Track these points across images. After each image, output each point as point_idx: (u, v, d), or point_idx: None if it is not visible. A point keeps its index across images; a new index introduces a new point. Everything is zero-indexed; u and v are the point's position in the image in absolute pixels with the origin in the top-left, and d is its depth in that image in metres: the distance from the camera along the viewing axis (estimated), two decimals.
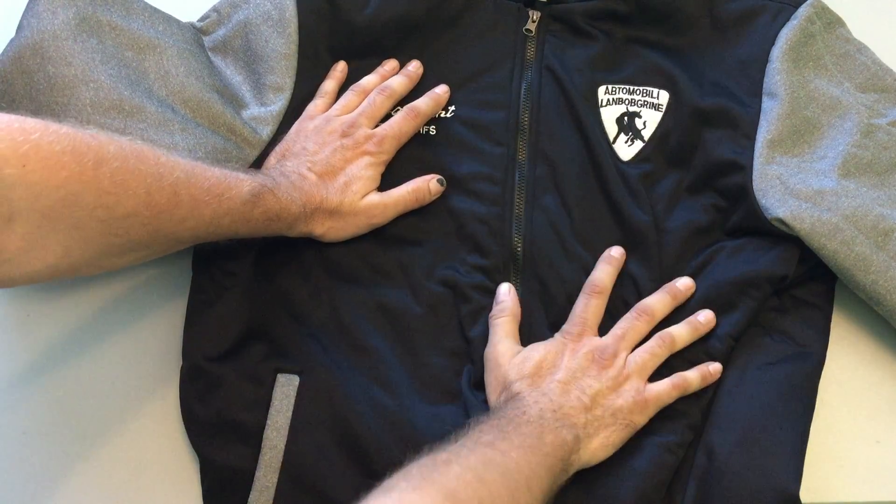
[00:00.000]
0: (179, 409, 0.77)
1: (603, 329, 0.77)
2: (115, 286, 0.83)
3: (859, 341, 0.81)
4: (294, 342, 0.77)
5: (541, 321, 0.79)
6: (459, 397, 0.75)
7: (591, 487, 0.71)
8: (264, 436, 0.74)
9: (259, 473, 0.73)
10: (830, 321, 0.80)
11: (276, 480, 0.72)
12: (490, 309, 0.78)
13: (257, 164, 0.82)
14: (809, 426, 0.75)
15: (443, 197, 0.82)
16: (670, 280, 0.79)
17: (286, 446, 0.73)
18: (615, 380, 0.73)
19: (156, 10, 0.85)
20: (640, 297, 0.78)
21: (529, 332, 0.78)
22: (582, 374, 0.73)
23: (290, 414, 0.74)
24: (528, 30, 0.86)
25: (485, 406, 0.74)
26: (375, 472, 0.71)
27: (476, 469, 0.60)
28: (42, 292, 0.83)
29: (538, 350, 0.75)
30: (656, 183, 0.83)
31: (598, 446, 0.71)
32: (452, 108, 0.86)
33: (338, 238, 0.80)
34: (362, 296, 0.79)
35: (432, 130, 0.85)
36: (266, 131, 0.83)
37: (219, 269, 0.79)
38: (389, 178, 0.83)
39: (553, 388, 0.72)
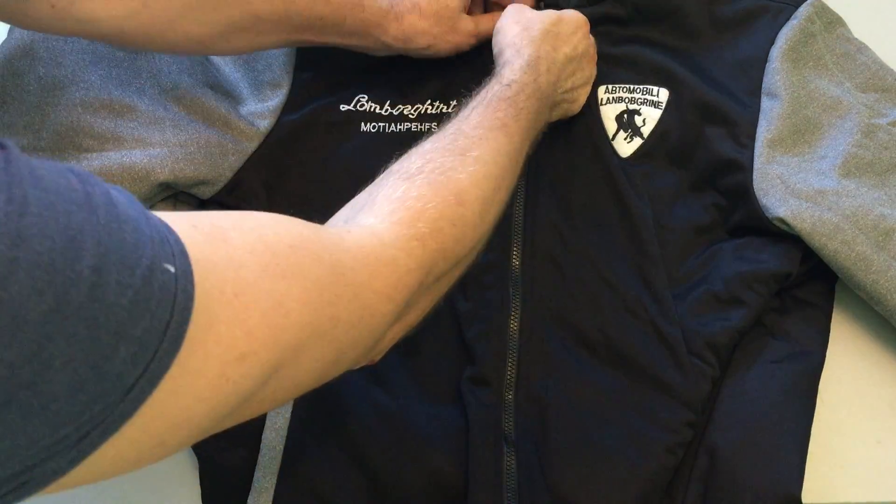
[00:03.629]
0: None
1: (584, 312, 0.77)
2: None
3: (859, 341, 0.81)
4: None
5: (545, 311, 0.78)
6: (459, 397, 0.75)
7: (590, 487, 0.71)
8: (263, 437, 0.73)
9: (258, 475, 0.72)
10: (831, 321, 0.80)
11: (274, 482, 0.72)
12: (488, 308, 0.77)
13: (257, 158, 0.81)
14: (811, 426, 0.75)
15: None
16: (674, 276, 0.79)
17: (284, 447, 0.73)
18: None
19: None
20: (650, 292, 0.78)
21: (532, 322, 0.77)
22: (583, 51, 0.81)
23: (288, 415, 0.74)
24: None
25: (485, 407, 0.73)
26: (375, 473, 0.71)
27: (487, 162, 0.63)
28: None
29: (553, 14, 0.81)
30: (656, 180, 0.83)
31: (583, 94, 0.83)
32: (454, 103, 0.85)
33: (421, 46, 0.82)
34: None
35: (435, 128, 0.84)
36: (264, 124, 0.82)
37: None
38: None
39: (561, 59, 0.78)
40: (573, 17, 0.82)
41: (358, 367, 0.58)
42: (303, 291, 0.47)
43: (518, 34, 0.78)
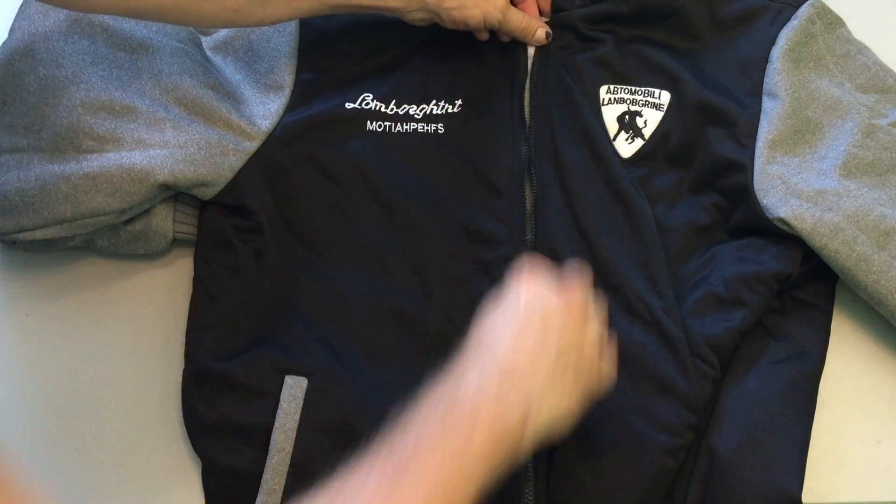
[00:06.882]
0: (179, 410, 0.76)
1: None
2: (116, 286, 0.83)
3: (859, 341, 0.82)
4: (302, 345, 0.77)
5: None
6: None
7: (590, 490, 0.72)
8: (272, 438, 0.73)
9: (266, 476, 0.72)
10: (831, 321, 0.80)
11: (283, 484, 0.72)
12: None
13: (259, 157, 0.81)
14: (811, 427, 0.75)
15: (452, 191, 0.82)
16: (675, 277, 0.79)
17: (294, 449, 0.73)
18: None
19: None
20: (655, 291, 0.78)
21: None
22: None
23: (298, 417, 0.74)
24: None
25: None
26: None
27: None
28: (42, 292, 0.82)
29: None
30: (656, 181, 0.83)
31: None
32: (459, 102, 0.85)
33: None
34: (373, 301, 0.78)
35: (441, 129, 0.84)
36: (266, 124, 0.82)
37: (220, 266, 0.79)
38: (397, 174, 0.82)
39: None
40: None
41: None
42: None
43: (529, 352, 0.60)
